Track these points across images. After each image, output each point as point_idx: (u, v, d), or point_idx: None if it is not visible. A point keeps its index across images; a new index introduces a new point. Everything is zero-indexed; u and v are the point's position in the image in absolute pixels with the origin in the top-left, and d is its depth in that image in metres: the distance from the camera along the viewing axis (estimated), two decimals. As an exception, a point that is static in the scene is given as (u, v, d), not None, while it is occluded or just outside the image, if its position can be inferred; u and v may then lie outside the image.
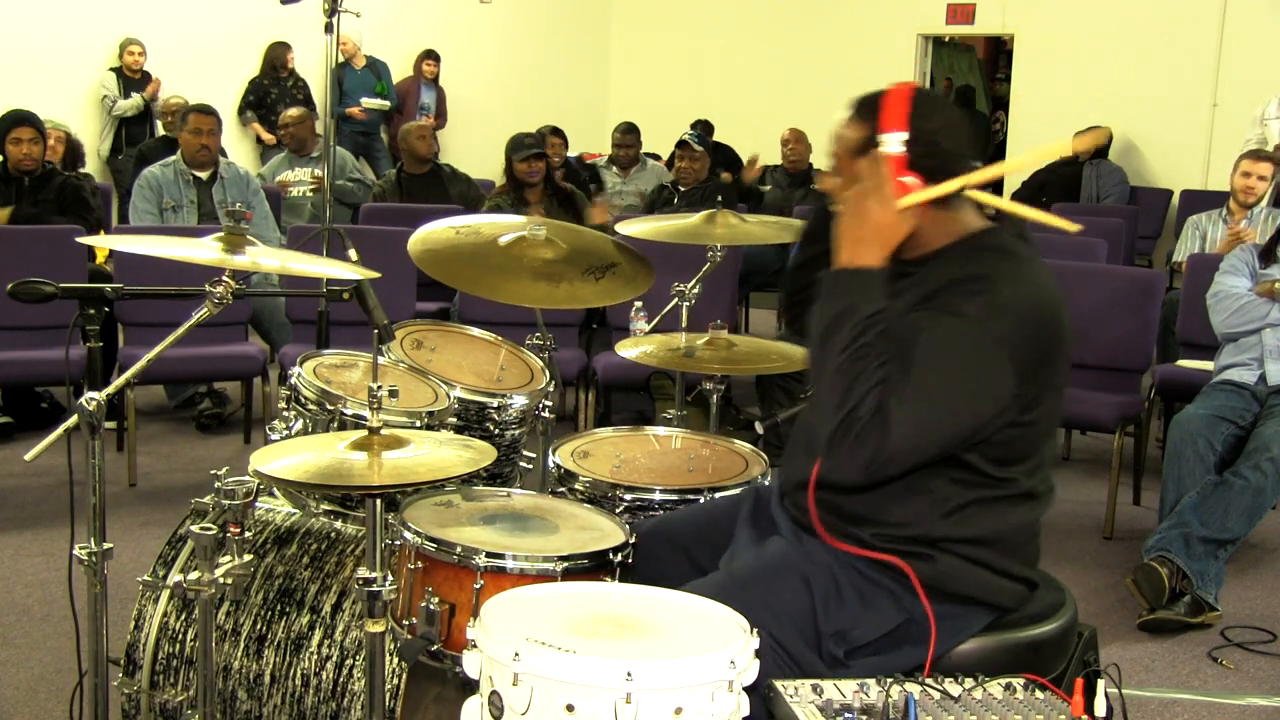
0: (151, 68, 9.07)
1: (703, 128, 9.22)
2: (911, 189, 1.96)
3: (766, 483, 2.58)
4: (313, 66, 9.36)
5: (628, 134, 8.08)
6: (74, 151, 7.10)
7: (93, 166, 8.22)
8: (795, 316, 2.36)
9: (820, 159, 7.92)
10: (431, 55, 10.53)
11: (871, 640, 1.98)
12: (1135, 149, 9.94)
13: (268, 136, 9.23)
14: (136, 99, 8.93)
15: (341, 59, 9.79)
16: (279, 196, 6.95)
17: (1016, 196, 9.82)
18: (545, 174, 6.04)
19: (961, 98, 12.50)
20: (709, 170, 7.30)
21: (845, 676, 1.91)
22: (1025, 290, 1.93)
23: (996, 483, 1.99)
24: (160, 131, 8.60)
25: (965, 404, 1.88)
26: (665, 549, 2.26)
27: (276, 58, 9.75)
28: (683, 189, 6.93)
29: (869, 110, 2.03)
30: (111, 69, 8.99)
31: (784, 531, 2.13)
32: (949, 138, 2.01)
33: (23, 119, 5.47)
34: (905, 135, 1.97)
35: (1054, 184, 9.53)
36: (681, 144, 7.02)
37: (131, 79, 9.00)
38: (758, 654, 1.66)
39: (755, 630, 1.70)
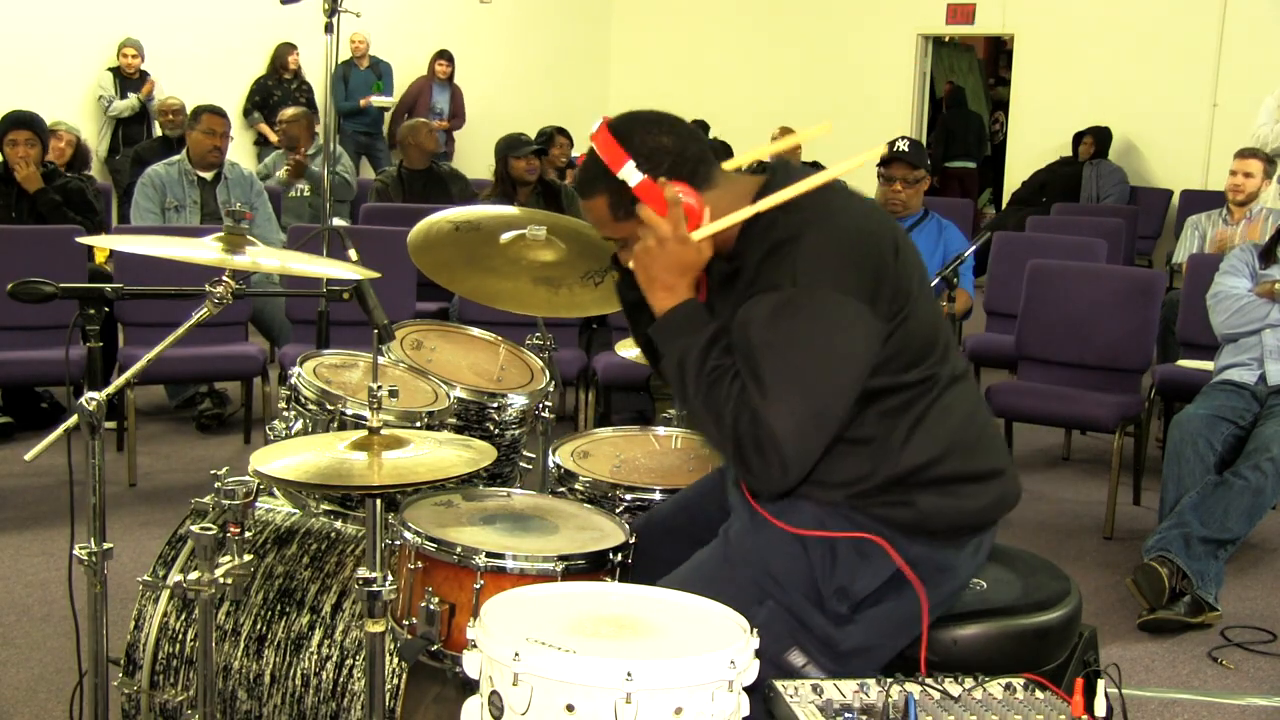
0: (152, 69, 9.09)
1: (702, 128, 9.22)
2: (693, 206, 1.92)
3: None
4: (316, 67, 9.37)
5: None
6: (82, 155, 7.10)
7: (92, 167, 8.23)
8: None
9: (819, 155, 7.92)
10: (445, 56, 10.53)
11: (873, 590, 1.97)
12: (1135, 149, 9.95)
13: (275, 137, 9.24)
14: (132, 99, 8.94)
15: (349, 55, 9.83)
16: (279, 196, 6.95)
17: (1017, 197, 9.84)
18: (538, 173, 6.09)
19: (953, 98, 12.50)
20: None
21: (852, 634, 1.94)
22: (827, 228, 1.90)
23: (919, 387, 1.96)
24: (158, 132, 8.61)
25: (829, 364, 1.85)
26: (659, 536, 2.26)
27: (281, 58, 9.76)
28: (683, 189, 6.93)
29: (592, 173, 1.98)
30: (109, 69, 9.00)
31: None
32: (666, 132, 1.97)
33: (20, 120, 5.32)
34: (632, 161, 1.93)
35: (1054, 184, 9.53)
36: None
37: (129, 80, 9.01)
38: (765, 626, 1.65)
39: (763, 599, 1.69)
